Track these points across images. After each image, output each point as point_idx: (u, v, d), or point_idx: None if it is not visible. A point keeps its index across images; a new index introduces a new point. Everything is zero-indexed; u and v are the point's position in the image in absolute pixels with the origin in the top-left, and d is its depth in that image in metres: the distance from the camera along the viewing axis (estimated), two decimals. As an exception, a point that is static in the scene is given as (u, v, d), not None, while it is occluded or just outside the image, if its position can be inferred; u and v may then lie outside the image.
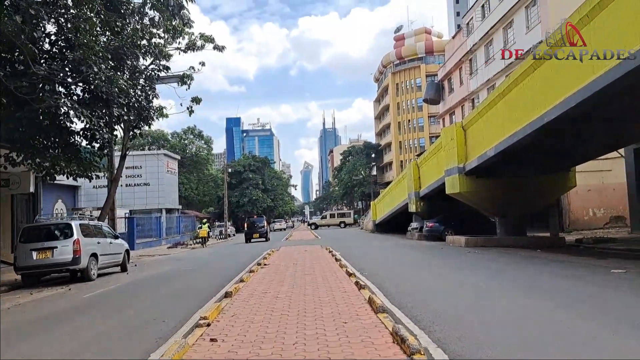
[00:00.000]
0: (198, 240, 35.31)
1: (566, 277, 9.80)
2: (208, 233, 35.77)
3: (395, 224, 41.36)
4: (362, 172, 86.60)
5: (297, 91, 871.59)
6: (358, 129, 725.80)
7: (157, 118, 19.49)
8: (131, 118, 14.53)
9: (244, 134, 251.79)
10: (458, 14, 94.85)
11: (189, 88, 21.70)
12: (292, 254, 18.60)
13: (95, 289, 11.94)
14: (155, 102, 19.96)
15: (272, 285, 9.71)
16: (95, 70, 12.03)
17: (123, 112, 13.37)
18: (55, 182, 35.54)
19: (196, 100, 21.63)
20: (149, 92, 16.84)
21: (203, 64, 22.04)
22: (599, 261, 12.59)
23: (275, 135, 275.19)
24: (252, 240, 36.10)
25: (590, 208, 29.30)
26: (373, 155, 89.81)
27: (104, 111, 13.00)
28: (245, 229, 37.98)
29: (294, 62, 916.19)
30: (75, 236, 13.00)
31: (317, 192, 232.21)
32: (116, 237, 15.83)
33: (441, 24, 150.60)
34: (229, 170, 73.81)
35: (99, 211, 21.79)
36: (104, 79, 12.23)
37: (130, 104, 14.34)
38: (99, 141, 13.46)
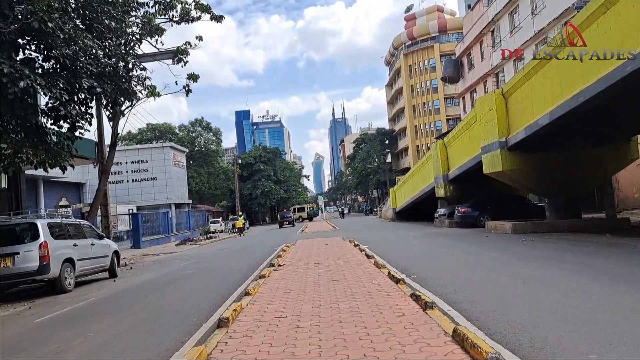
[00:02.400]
0: (234, 231, 41.99)
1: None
2: (244, 223, 42.44)
3: (417, 211, 38.54)
4: (377, 159, 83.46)
5: (305, 83, 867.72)
6: (368, 117, 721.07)
7: (146, 96, 16.88)
8: (107, 90, 11.85)
9: (254, 127, 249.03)
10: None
11: (184, 65, 19.03)
12: (311, 248, 15.87)
13: (63, 305, 9.36)
14: (148, 81, 17.32)
15: (288, 301, 6.86)
16: (51, 26, 9.33)
17: (95, 84, 10.70)
18: (57, 178, 33.89)
19: (193, 77, 19.00)
20: (129, 59, 14.11)
21: (200, 38, 19.38)
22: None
23: (286, 127, 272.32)
24: (284, 226, 49.92)
25: (640, 185, 26.13)
26: (387, 142, 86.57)
27: (70, 81, 10.31)
28: (279, 219, 54.35)
29: (301, 53, 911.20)
30: (41, 238, 10.43)
31: (330, 183, 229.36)
32: (101, 237, 13.26)
33: (452, 2, 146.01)
34: (240, 162, 71.35)
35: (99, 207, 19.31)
36: (62, 37, 9.53)
37: (105, 73, 11.68)
38: (68, 120, 10.80)
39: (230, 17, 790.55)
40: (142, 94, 16.03)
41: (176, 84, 18.88)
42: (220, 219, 56.17)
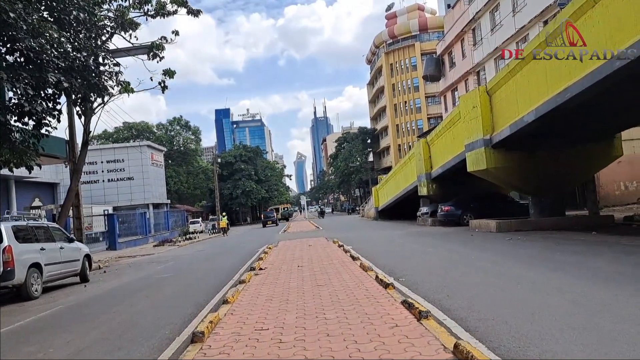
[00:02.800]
0: (216, 230, 43.04)
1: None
2: (227, 224, 43.02)
3: (399, 210, 38.39)
4: (359, 158, 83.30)
5: (286, 81, 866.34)
6: (350, 116, 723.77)
7: (119, 92, 16.14)
8: (75, 86, 11.10)
9: (234, 126, 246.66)
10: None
11: (160, 60, 18.31)
12: (294, 250, 15.35)
13: (27, 314, 8.64)
14: (120, 76, 16.58)
15: (270, 311, 6.29)
16: (14, 17, 8.63)
17: (62, 78, 9.98)
18: (30, 178, 32.61)
19: (169, 73, 18.32)
20: (99, 53, 13.34)
21: (177, 32, 18.69)
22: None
23: (267, 125, 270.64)
24: (267, 225, 50.61)
25: (621, 182, 26.38)
26: (369, 141, 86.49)
27: (35, 76, 9.60)
28: (262, 218, 56.15)
29: (282, 52, 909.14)
30: (5, 242, 9.69)
31: (312, 182, 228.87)
32: (71, 241, 12.51)
33: (432, 1, 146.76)
34: (220, 161, 70.34)
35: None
36: (26, 28, 8.83)
37: (73, 67, 10.94)
38: (33, 117, 10.08)
39: (210, 14, 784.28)
40: (114, 89, 15.28)
41: (151, 79, 18.11)
42: (200, 219, 55.25)
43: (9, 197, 31.38)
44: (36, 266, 10.49)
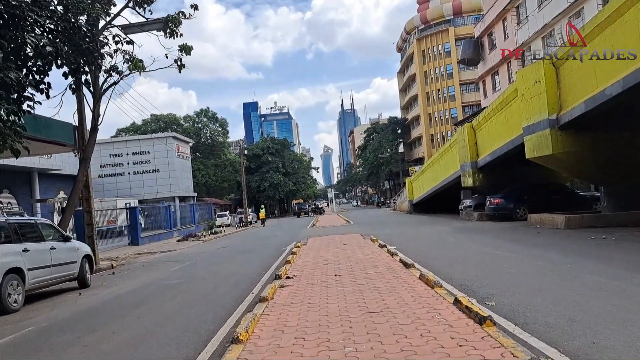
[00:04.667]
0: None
1: None
2: (265, 214, 47.42)
3: (436, 203, 35.74)
4: (389, 149, 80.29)
5: (314, 74, 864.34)
6: (378, 108, 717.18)
7: (129, 69, 14.23)
8: (61, 51, 9.05)
9: (262, 119, 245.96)
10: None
11: (178, 37, 16.28)
12: (327, 249, 13.10)
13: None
14: (124, 46, 14.67)
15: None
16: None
17: (44, 41, 8.03)
18: (54, 171, 31.45)
19: (185, 49, 16.28)
20: (93, 13, 11.23)
21: (195, 7, 16.61)
22: None
23: (294, 118, 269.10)
24: (301, 216, 59.95)
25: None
26: (399, 131, 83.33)
27: (6, 37, 7.64)
28: (296, 209, 66.37)
29: (309, 45, 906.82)
30: (-31, 244, 7.84)
31: (339, 176, 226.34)
32: (66, 239, 10.63)
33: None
34: (246, 152, 68.74)
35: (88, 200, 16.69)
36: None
37: (59, 29, 8.96)
38: (10, 88, 8.13)
39: (238, 9, 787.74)
40: (114, 58, 13.27)
41: (166, 57, 16.14)
42: (227, 212, 53.72)
43: (32, 190, 30.33)
44: (16, 271, 8.60)
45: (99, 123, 16.05)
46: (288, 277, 8.22)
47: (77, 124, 16.81)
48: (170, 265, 15.00)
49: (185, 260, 15.85)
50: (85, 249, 11.57)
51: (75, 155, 17.42)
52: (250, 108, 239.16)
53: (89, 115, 16.40)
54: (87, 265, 11.33)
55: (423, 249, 12.35)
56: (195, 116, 68.81)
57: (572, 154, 14.98)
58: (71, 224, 19.72)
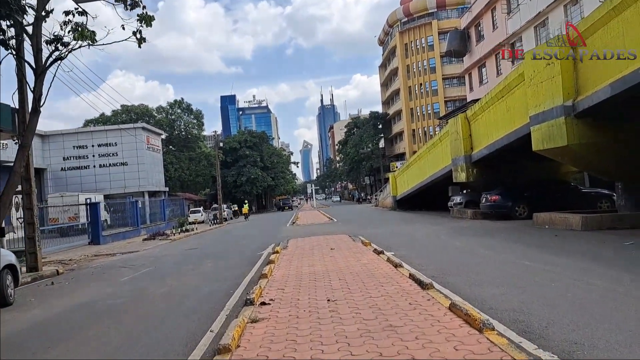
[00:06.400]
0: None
1: None
2: (248, 210, 49.25)
3: (420, 199, 34.01)
4: (370, 144, 78.51)
5: (294, 70, 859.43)
6: (358, 104, 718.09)
7: (74, 39, 11.84)
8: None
9: (240, 112, 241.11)
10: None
11: (141, 9, 13.88)
12: (312, 256, 10.80)
13: None
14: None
15: None
16: None
17: None
18: (7, 163, 28.41)
19: (146, 19, 13.88)
20: None
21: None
22: None
23: (273, 112, 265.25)
24: (284, 210, 66.75)
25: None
26: (380, 126, 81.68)
27: None
28: (280, 204, 72.87)
29: (290, 40, 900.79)
30: None
31: (318, 171, 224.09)
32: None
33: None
34: (221, 145, 65.94)
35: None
36: None
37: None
38: None
39: (217, 3, 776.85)
40: (61, 29, 10.82)
41: (123, 28, 13.67)
42: (201, 209, 51.04)
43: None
44: None
45: (41, 105, 13.52)
46: (263, 303, 6.03)
47: (16, 107, 14.32)
48: (124, 272, 12.63)
49: (143, 267, 13.47)
50: (8, 257, 9.14)
51: (16, 143, 14.89)
52: (228, 101, 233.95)
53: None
54: (9, 278, 8.92)
55: (427, 256, 10.21)
56: (168, 107, 65.47)
57: (589, 146, 13.17)
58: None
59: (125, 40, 14.30)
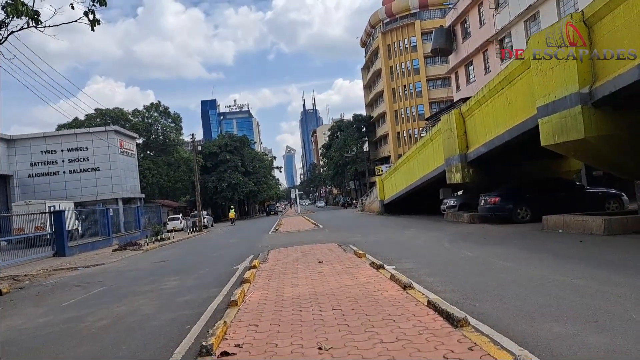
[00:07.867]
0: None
1: None
2: (235, 215, 51.93)
3: (409, 203, 32.44)
4: (354, 148, 76.98)
5: (276, 75, 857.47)
6: (340, 109, 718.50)
7: (7, 15, 9.92)
8: None
9: (221, 117, 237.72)
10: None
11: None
12: (296, 272, 8.88)
13: None
14: None
15: None
16: None
17: None
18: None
19: (99, -1, 12.00)
20: None
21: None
22: None
23: (255, 117, 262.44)
24: (270, 215, 70.44)
25: None
26: (364, 130, 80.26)
27: None
28: (267, 209, 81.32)
29: (271, 45, 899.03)
30: None
31: (302, 177, 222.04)
32: None
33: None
34: (202, 150, 63.71)
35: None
36: None
37: None
38: None
39: (196, 8, 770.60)
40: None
41: (72, 7, 11.76)
42: (180, 216, 48.68)
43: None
44: None
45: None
46: (225, 353, 4.14)
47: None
48: (74, 293, 10.61)
49: (98, 285, 11.45)
50: None
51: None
52: (208, 106, 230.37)
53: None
54: None
55: (438, 271, 8.28)
56: (145, 111, 62.86)
57: (609, 139, 11.64)
58: None
59: (76, 21, 12.37)
